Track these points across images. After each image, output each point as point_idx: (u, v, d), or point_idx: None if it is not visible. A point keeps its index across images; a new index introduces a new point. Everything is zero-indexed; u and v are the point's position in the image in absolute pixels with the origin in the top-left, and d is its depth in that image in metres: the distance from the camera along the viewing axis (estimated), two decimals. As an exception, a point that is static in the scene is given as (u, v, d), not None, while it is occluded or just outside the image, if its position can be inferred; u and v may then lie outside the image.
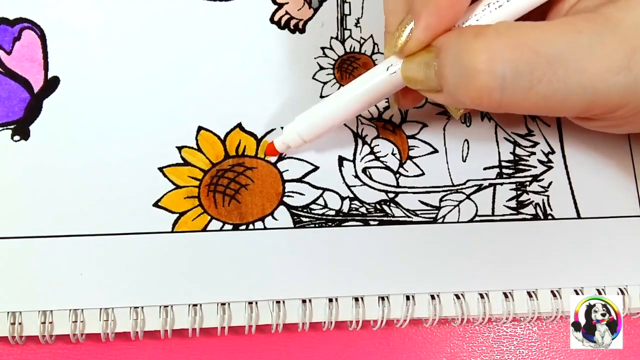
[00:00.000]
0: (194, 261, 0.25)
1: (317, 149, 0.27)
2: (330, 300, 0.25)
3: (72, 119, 0.27)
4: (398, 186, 0.27)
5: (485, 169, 0.28)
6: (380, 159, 0.28)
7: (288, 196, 0.27)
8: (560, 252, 0.26)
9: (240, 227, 0.26)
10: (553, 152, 0.28)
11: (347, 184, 0.27)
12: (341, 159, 0.27)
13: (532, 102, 0.20)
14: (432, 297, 0.26)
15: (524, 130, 0.29)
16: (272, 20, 0.30)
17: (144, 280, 0.25)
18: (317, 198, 0.27)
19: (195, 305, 0.25)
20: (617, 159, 0.28)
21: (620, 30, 0.20)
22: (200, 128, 0.27)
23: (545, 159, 0.28)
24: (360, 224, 0.26)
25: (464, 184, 0.28)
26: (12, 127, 0.27)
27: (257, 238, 0.26)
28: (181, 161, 0.27)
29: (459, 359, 0.27)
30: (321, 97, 0.28)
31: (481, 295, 0.26)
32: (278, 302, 0.25)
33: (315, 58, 0.29)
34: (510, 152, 0.28)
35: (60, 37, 0.28)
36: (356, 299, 0.25)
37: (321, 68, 0.29)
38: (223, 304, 0.25)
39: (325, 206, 0.27)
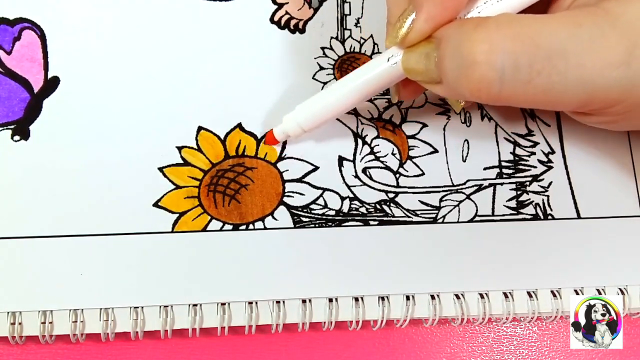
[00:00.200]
0: (194, 261, 0.25)
1: (317, 149, 0.27)
2: (330, 300, 0.25)
3: (72, 119, 0.27)
4: (398, 186, 0.27)
5: (485, 169, 0.28)
6: (380, 159, 0.28)
7: (288, 196, 0.27)
8: (560, 252, 0.26)
9: (240, 227, 0.26)
10: (553, 152, 0.28)
11: (347, 184, 0.27)
12: (341, 159, 0.27)
13: (531, 94, 0.20)
14: (432, 297, 0.26)
15: (524, 130, 0.29)
16: (272, 20, 0.30)
17: (144, 280, 0.25)
18: (317, 198, 0.27)
19: (195, 305, 0.25)
20: (617, 159, 0.28)
21: (621, 24, 0.20)
22: (200, 128, 0.27)
23: (545, 159, 0.28)
24: (360, 224, 0.26)
25: (464, 184, 0.27)
26: (12, 127, 0.27)
27: (257, 238, 0.26)
28: (181, 161, 0.27)
29: (459, 359, 0.27)
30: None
31: (481, 295, 0.26)
32: (278, 302, 0.25)
33: (315, 58, 0.29)
34: (510, 152, 0.28)
35: (60, 37, 0.28)
36: (356, 299, 0.25)
37: (321, 68, 0.29)
38: (223, 304, 0.25)
39: (325, 206, 0.27)
